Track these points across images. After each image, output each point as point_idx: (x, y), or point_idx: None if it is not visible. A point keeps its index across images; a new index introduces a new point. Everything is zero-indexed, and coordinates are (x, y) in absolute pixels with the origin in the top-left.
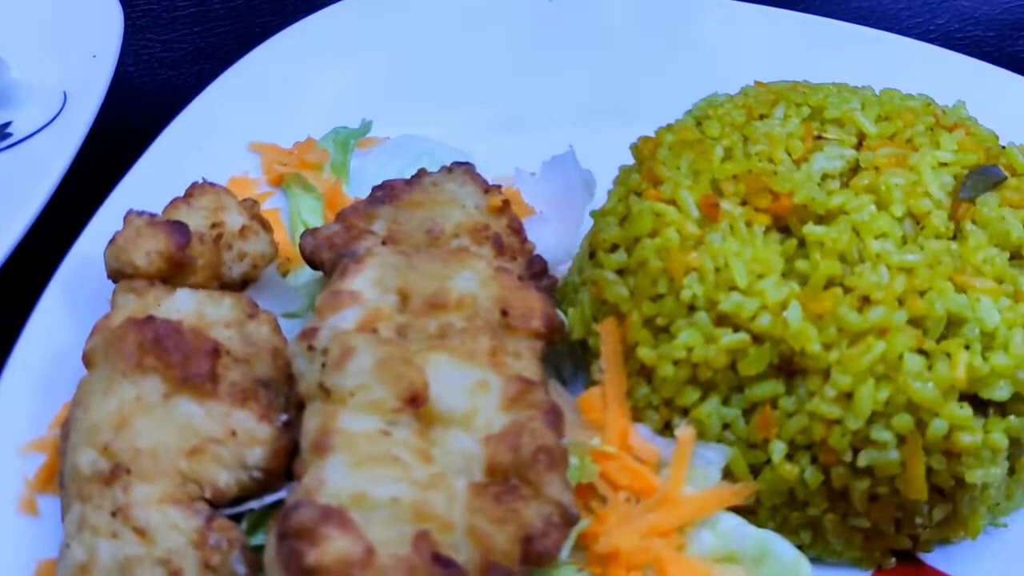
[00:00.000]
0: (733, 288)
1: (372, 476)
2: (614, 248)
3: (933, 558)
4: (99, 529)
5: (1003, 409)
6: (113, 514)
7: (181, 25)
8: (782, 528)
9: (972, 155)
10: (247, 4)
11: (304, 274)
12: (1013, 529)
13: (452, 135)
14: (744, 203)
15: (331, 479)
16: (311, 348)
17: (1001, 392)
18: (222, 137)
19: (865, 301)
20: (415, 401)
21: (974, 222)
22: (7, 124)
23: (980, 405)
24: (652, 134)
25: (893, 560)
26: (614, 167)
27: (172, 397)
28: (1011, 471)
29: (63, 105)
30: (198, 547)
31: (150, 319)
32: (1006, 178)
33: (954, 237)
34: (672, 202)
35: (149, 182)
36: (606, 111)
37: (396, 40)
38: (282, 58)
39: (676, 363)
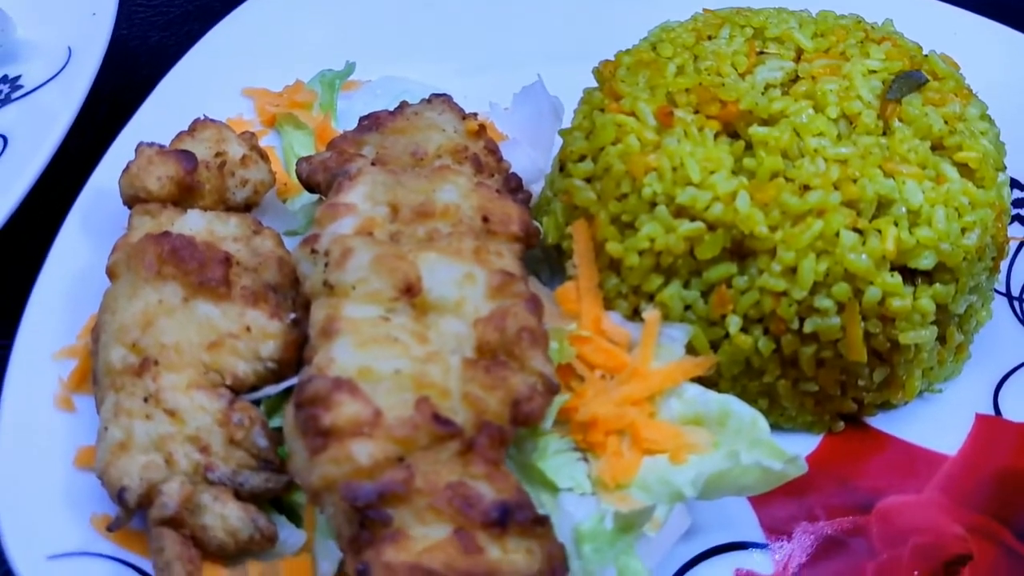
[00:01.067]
0: (688, 183)
1: (375, 354)
2: (581, 159)
3: (876, 421)
4: (133, 412)
5: (929, 277)
6: (145, 399)
7: None
8: (741, 397)
9: (898, 62)
10: None
11: (301, 199)
12: (947, 395)
13: (429, 76)
14: (696, 111)
15: (339, 357)
16: (314, 252)
17: (926, 261)
18: (217, 84)
19: (805, 188)
20: (410, 291)
21: (900, 119)
22: (18, 77)
23: (909, 275)
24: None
25: (841, 424)
26: (578, 96)
27: (190, 300)
28: (942, 339)
29: (68, 59)
30: (223, 425)
31: (166, 234)
32: (928, 81)
33: (883, 133)
34: (631, 114)
35: (153, 125)
36: (568, 48)
37: None
38: (268, 11)
39: (641, 253)
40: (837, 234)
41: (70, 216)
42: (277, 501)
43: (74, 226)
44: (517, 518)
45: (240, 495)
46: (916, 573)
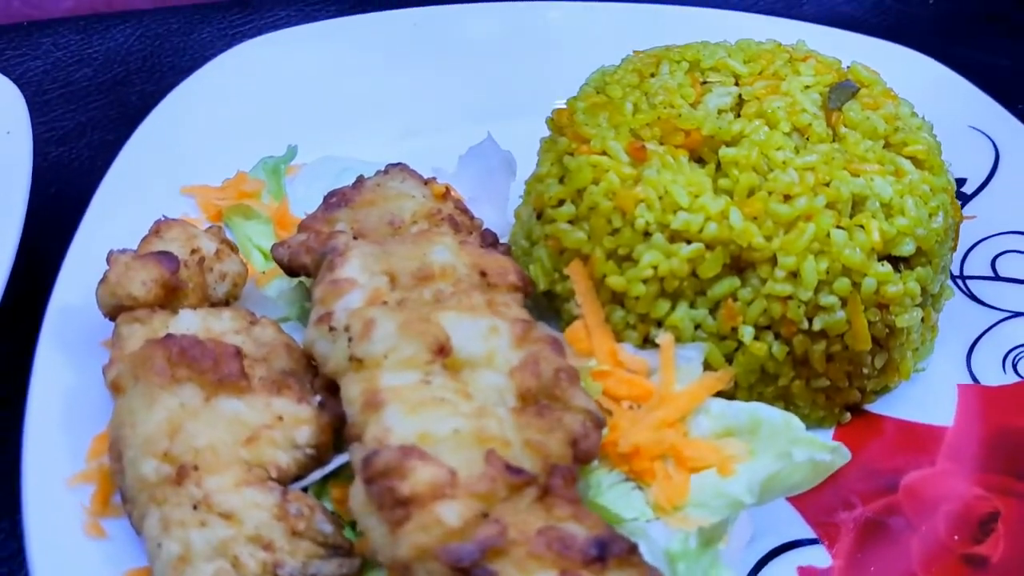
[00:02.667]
0: (678, 209)
1: (428, 417)
2: (560, 203)
3: (875, 407)
4: (186, 522)
5: (910, 263)
6: (195, 507)
7: (56, 105)
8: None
9: (827, 76)
10: (113, 79)
11: (275, 286)
12: (928, 372)
13: (362, 151)
14: (662, 143)
15: (394, 426)
16: (332, 330)
17: (907, 248)
18: (151, 188)
19: (787, 197)
20: (442, 351)
21: (846, 125)
22: None
23: (894, 263)
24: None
25: (848, 414)
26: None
27: (212, 399)
28: (922, 319)
29: None
30: (281, 519)
31: (170, 336)
32: (859, 89)
33: (833, 140)
34: (603, 153)
35: (98, 238)
36: (486, 111)
37: (287, 76)
38: (184, 110)
39: (645, 282)
40: (828, 234)
41: (41, 341)
42: None
43: (48, 350)
44: (614, 551)
45: None
46: (956, 537)
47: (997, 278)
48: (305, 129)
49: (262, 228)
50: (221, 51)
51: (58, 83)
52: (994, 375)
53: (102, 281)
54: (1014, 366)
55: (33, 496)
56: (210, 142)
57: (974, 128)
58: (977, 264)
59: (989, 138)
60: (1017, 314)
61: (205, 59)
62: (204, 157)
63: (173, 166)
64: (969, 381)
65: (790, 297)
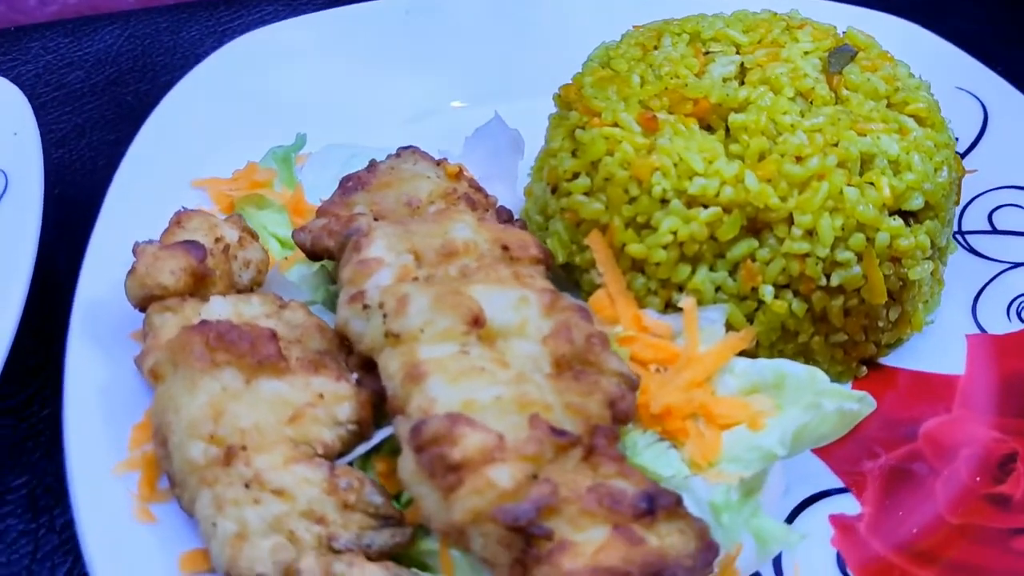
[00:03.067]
0: (694, 175)
1: (470, 386)
2: (575, 176)
3: (889, 360)
4: (240, 501)
5: (918, 217)
6: (247, 485)
7: (51, 108)
8: None
9: (825, 41)
10: (107, 80)
11: (296, 271)
12: (937, 324)
13: (367, 138)
14: (671, 113)
15: (438, 396)
16: (365, 307)
17: (916, 202)
18: (163, 184)
19: (798, 159)
20: (477, 322)
21: (847, 88)
22: None
23: (904, 218)
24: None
25: (864, 368)
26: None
27: (252, 381)
28: (931, 273)
29: (6, 184)
30: (332, 493)
31: (205, 322)
32: (857, 52)
33: (836, 102)
34: (615, 125)
35: (115, 234)
36: (485, 93)
37: (287, 69)
38: (189, 105)
39: (665, 248)
40: (841, 192)
41: (71, 338)
42: (395, 557)
43: (78, 346)
44: (662, 504)
45: (370, 557)
46: (978, 479)
47: (995, 231)
48: (308, 120)
49: (277, 216)
50: (211, 48)
51: (51, 86)
52: (1000, 324)
53: (131, 272)
54: (1018, 314)
55: (81, 488)
56: (216, 136)
57: (961, 89)
58: (974, 219)
59: (977, 98)
60: (1017, 264)
61: (196, 57)
62: (211, 151)
63: (181, 161)
64: (977, 331)
65: (807, 255)
